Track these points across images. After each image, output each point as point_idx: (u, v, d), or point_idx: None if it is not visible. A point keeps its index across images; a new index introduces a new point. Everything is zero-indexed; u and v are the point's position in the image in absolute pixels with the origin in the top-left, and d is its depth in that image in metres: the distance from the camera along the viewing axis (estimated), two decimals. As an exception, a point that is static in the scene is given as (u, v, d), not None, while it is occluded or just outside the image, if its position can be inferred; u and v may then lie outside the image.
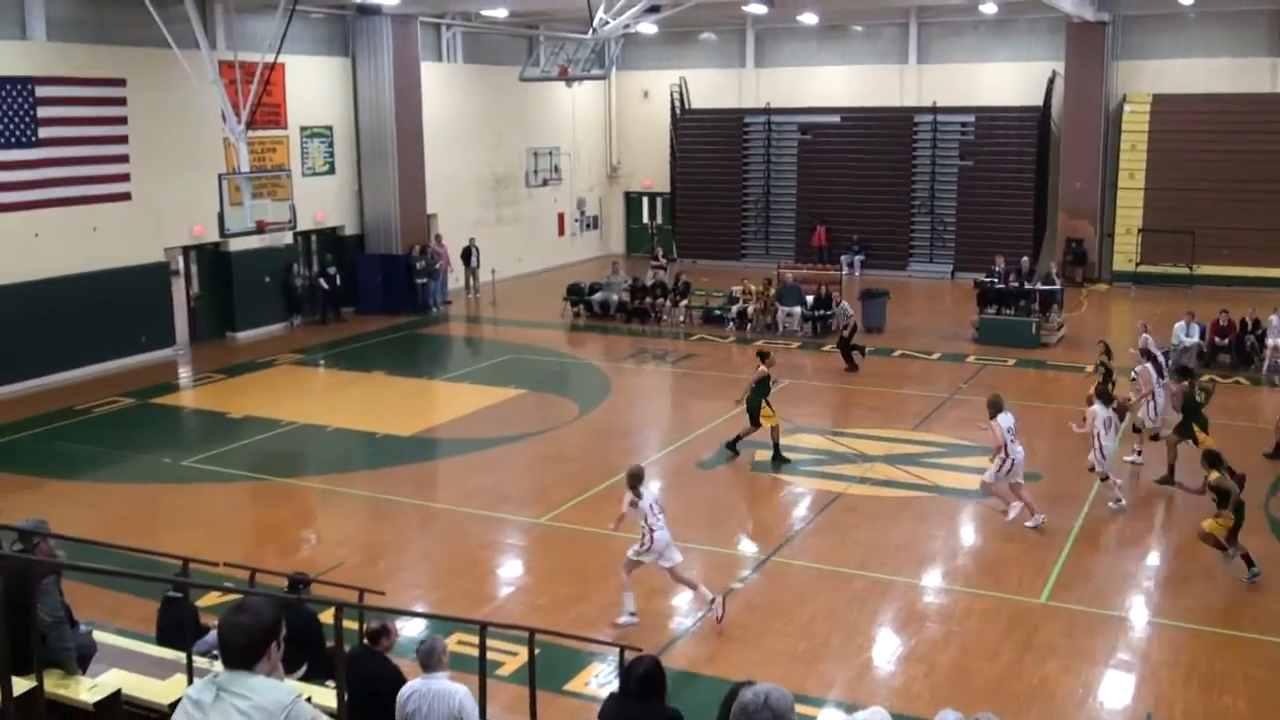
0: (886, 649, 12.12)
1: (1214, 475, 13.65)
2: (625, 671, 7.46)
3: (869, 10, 36.36)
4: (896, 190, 37.11)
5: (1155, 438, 18.04)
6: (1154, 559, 14.67)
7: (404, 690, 7.85)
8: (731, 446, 18.27)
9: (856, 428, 19.90)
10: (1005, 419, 15.19)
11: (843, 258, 36.17)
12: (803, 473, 17.69)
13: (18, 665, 5.85)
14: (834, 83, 38.00)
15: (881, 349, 25.94)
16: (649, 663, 7.30)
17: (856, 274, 35.73)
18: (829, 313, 27.69)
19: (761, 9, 32.04)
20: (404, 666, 8.89)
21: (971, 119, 36.19)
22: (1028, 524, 15.20)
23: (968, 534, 15.56)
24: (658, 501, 12.51)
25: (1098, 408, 16.04)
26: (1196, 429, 16.72)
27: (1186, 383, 17.42)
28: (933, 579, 13.87)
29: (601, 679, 11.22)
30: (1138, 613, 12.95)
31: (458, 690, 7.79)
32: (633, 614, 12.50)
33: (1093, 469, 16.03)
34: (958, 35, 36.57)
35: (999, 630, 12.32)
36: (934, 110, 36.46)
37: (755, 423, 18.01)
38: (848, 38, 38.17)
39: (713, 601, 12.47)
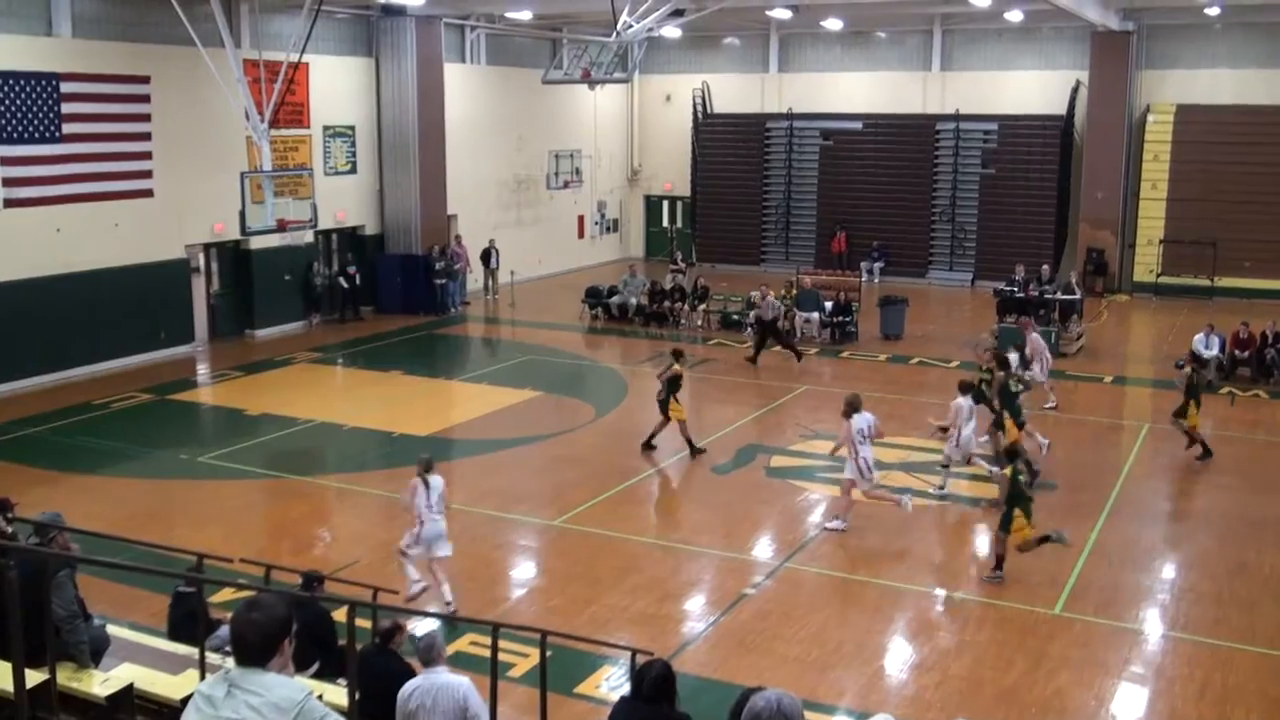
0: (898, 657, 12.10)
1: (1008, 470, 13.78)
2: (637, 675, 7.46)
3: (893, 16, 36.28)
4: (917, 197, 37.03)
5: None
6: (1169, 572, 14.59)
7: (405, 688, 7.84)
8: (648, 445, 18.82)
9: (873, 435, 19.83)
10: (861, 419, 15.33)
11: (862, 264, 36.12)
12: (818, 479, 17.66)
13: (31, 657, 5.89)
14: (857, 89, 37.94)
15: (899, 356, 25.88)
16: (661, 666, 7.30)
17: (876, 281, 35.69)
18: (848, 319, 27.65)
19: (785, 14, 32.01)
20: (416, 666, 8.92)
21: (994, 127, 36.08)
22: (828, 525, 15.46)
23: (983, 543, 15.47)
24: (442, 496, 12.80)
25: (962, 400, 16.73)
26: (1008, 421, 16.90)
27: (1003, 374, 17.63)
28: (946, 587, 13.82)
29: (612, 682, 11.22)
30: (1152, 625, 12.89)
31: (461, 682, 7.80)
32: (417, 581, 12.85)
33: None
34: (982, 43, 36.48)
35: (1012, 640, 12.28)
36: (957, 118, 36.38)
37: (665, 415, 18.52)
38: (871, 44, 38.12)
39: (449, 604, 12.45)
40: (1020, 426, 16.98)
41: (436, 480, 12.84)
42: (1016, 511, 13.54)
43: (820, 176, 38.51)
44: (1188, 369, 18.87)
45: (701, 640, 12.34)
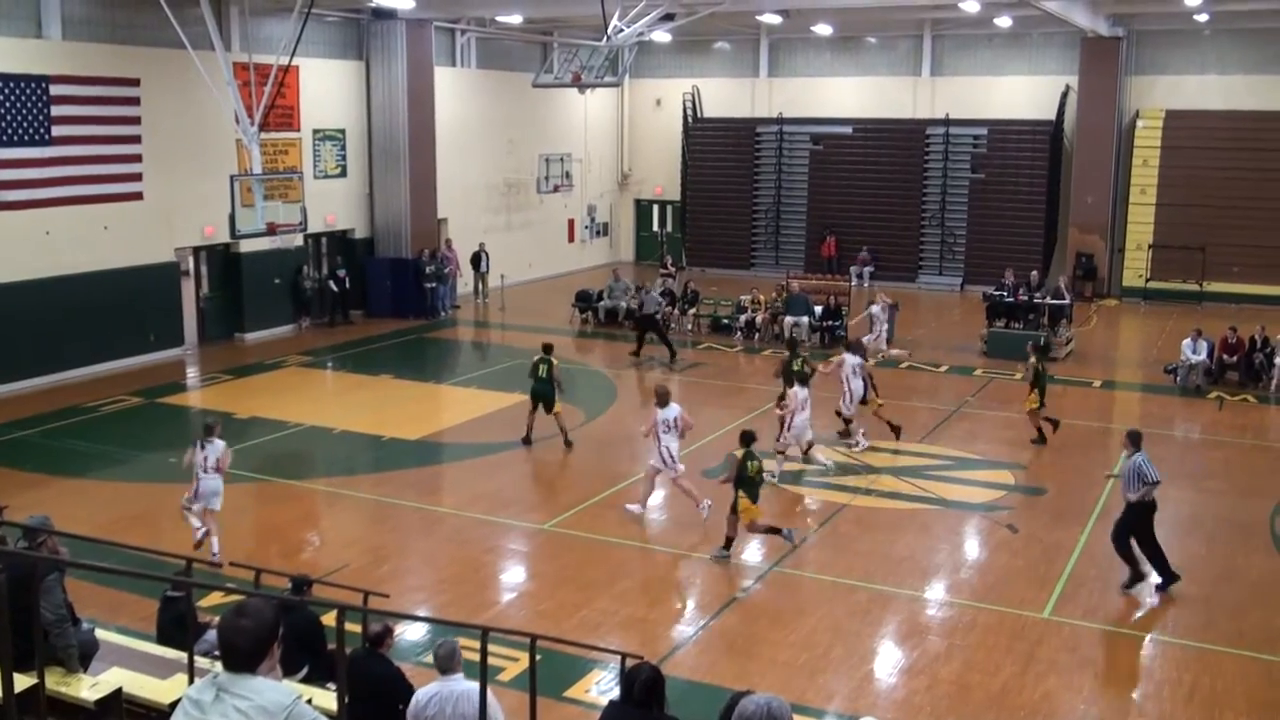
0: (888, 661, 12.11)
1: (739, 453, 14.33)
2: (627, 679, 7.46)
3: (884, 22, 36.42)
4: (907, 202, 37.13)
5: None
6: (1157, 576, 14.61)
7: (421, 694, 7.84)
8: (526, 441, 19.43)
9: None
10: (668, 411, 15.82)
11: (852, 268, 36.19)
12: (808, 483, 17.69)
13: (20, 662, 5.87)
14: (847, 93, 38.04)
15: (888, 361, 25.92)
16: (650, 670, 7.30)
17: (866, 285, 35.76)
18: (838, 323, 27.69)
19: (776, 19, 32.14)
20: (404, 669, 8.91)
21: (984, 132, 36.21)
22: (628, 506, 15.97)
23: (972, 547, 15.54)
24: (219, 459, 14.18)
25: (847, 356, 18.64)
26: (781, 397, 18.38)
27: (787, 354, 19.38)
28: (936, 592, 13.84)
29: (602, 686, 11.22)
30: (1141, 629, 12.93)
31: (477, 690, 7.81)
32: (199, 529, 14.15)
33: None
34: (972, 48, 36.58)
35: (1002, 644, 12.30)
36: (946, 122, 36.49)
37: (550, 410, 19.25)
38: (861, 49, 38.20)
39: (214, 556, 13.35)
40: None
41: (216, 444, 14.25)
42: (741, 494, 14.14)
43: (810, 181, 38.61)
44: (1033, 359, 19.95)
45: (691, 644, 12.34)
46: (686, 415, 16.02)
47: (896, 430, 19.59)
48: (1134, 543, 13.75)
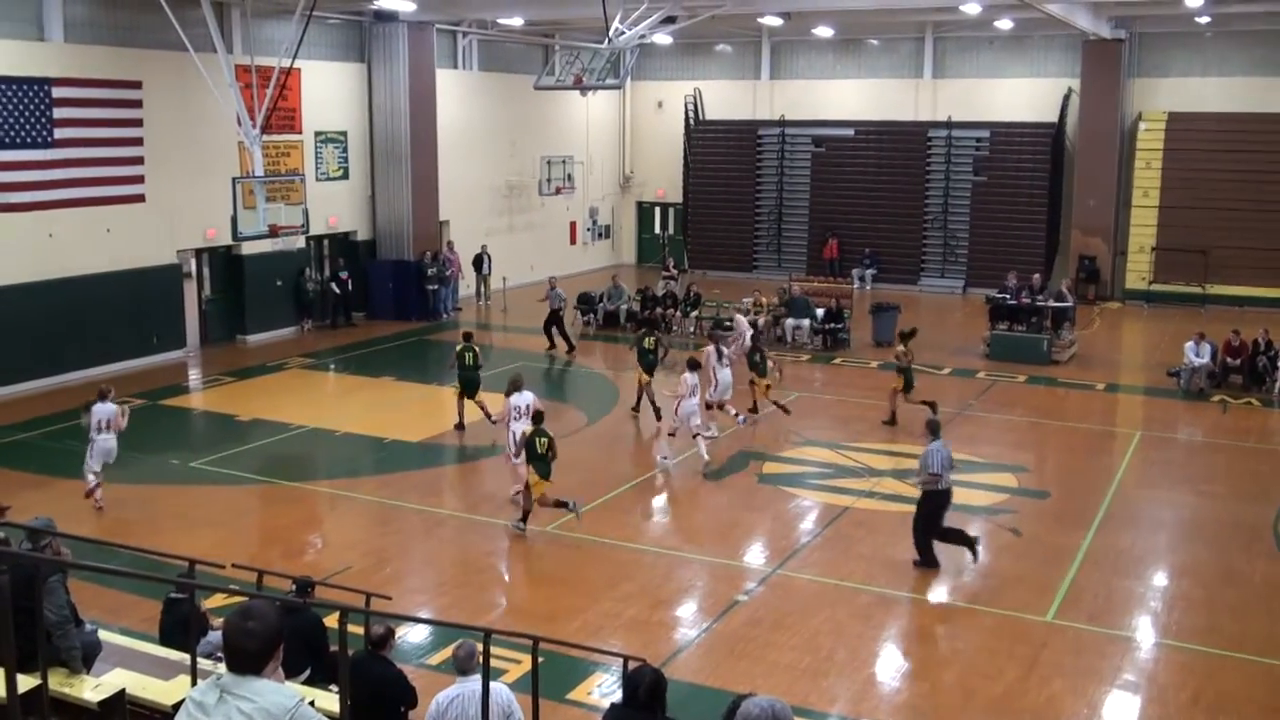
0: (891, 665, 12.10)
1: (529, 430, 15.33)
2: (631, 681, 7.44)
3: (885, 24, 36.42)
4: (909, 204, 37.10)
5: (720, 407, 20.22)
6: (1161, 579, 14.61)
7: (441, 696, 7.86)
8: (459, 426, 20.22)
9: (864, 442, 19.87)
10: (519, 398, 16.54)
11: (854, 271, 36.19)
12: (810, 486, 17.68)
13: (23, 663, 5.86)
14: (849, 96, 38.04)
15: (891, 363, 25.86)
16: (653, 673, 7.29)
17: (868, 287, 35.76)
18: (839, 325, 27.69)
19: (777, 21, 32.15)
20: (406, 671, 8.90)
21: (986, 134, 36.17)
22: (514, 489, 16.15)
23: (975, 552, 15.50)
24: (112, 420, 15.98)
25: (688, 375, 18.69)
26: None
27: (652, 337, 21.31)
28: (939, 595, 13.82)
29: (604, 689, 11.20)
30: (1145, 633, 12.89)
31: (501, 689, 7.83)
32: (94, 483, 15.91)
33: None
34: (974, 50, 36.59)
35: (1005, 648, 12.28)
36: (948, 125, 36.47)
37: (473, 397, 20.10)
38: (863, 51, 38.20)
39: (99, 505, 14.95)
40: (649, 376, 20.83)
41: (109, 406, 16.19)
42: (531, 468, 14.98)
43: (812, 183, 38.58)
44: (900, 347, 21.35)
45: (693, 647, 12.33)
46: (537, 402, 16.51)
47: (785, 409, 20.79)
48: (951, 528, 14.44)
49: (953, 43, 36.80)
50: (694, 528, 15.91)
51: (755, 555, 15.07)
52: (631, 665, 9.15)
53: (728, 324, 24.90)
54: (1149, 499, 17.66)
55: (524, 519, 15.32)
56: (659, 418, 20.42)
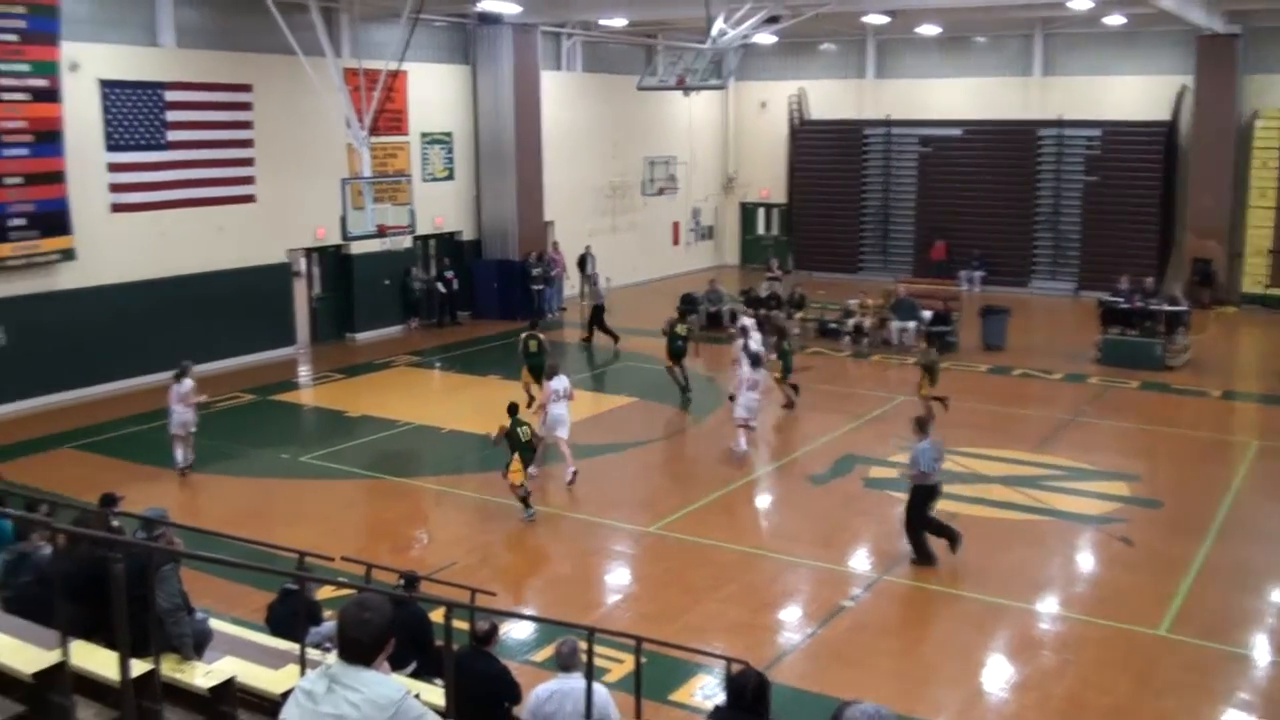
0: (999, 676, 11.83)
1: (508, 422, 15.90)
2: (736, 684, 7.35)
3: (993, 21, 35.71)
4: (1019, 205, 36.41)
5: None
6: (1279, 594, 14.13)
7: (541, 690, 7.89)
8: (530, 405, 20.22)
9: (973, 447, 19.50)
10: (558, 382, 17.80)
11: (962, 273, 35.63)
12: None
13: (136, 648, 5.97)
14: (956, 95, 37.47)
15: (1001, 367, 25.47)
16: (758, 676, 7.20)
17: (976, 290, 35.17)
18: (947, 328, 27.27)
19: (882, 19, 31.79)
20: (509, 667, 8.91)
21: (1097, 133, 35.35)
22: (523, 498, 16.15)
23: (1086, 560, 15.14)
24: (189, 392, 17.30)
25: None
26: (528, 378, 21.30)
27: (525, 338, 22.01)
28: (1049, 605, 13.48)
29: (706, 691, 11.12)
30: (1261, 651, 12.43)
31: (598, 690, 7.83)
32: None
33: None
34: (1084, 47, 35.75)
35: (1116, 661, 11.94)
36: (1058, 124, 35.74)
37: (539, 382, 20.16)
38: (970, 49, 37.61)
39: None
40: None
41: (186, 383, 17.55)
42: (515, 456, 15.75)
43: (919, 184, 38.10)
44: (922, 344, 22.10)
45: (797, 651, 12.19)
46: (557, 388, 17.86)
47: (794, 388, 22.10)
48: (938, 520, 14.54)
49: (1062, 39, 36.01)
50: (799, 531, 15.74)
51: (861, 560, 14.86)
52: (735, 668, 9.07)
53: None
54: (1267, 511, 17.08)
55: (525, 503, 16.09)
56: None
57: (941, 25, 34.97)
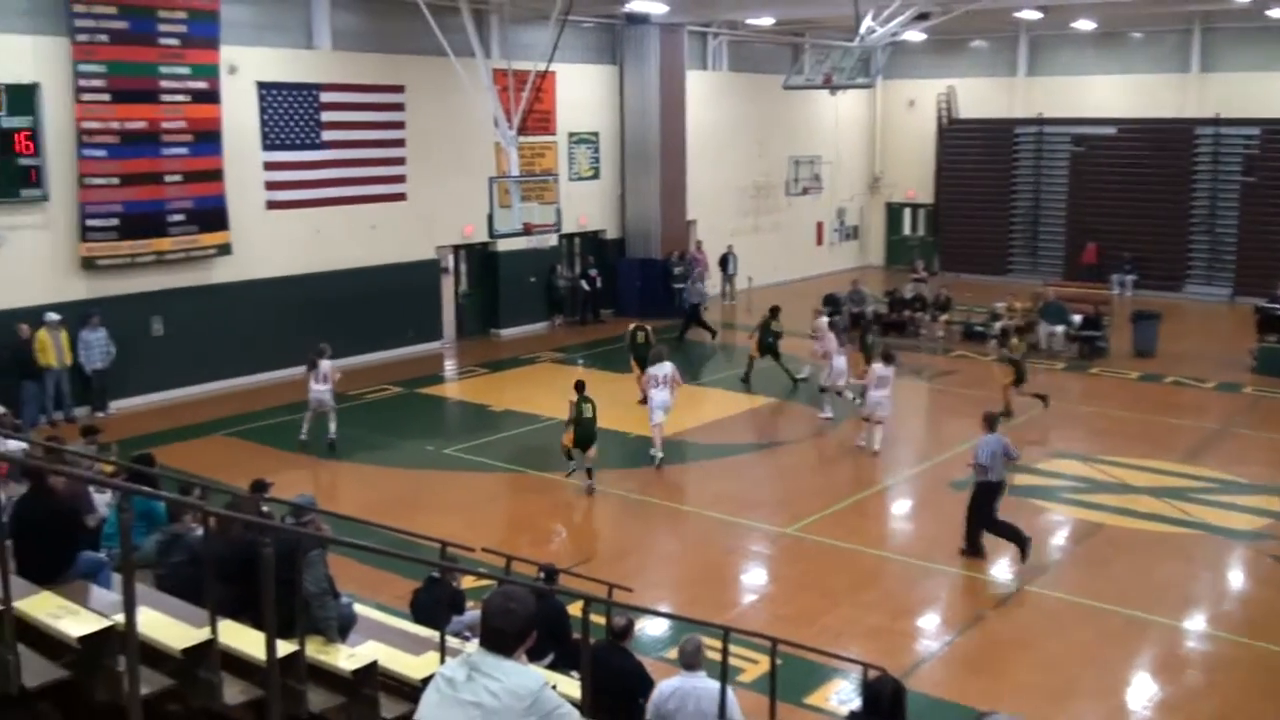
0: (1142, 693, 11.49)
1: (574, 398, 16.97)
2: (873, 690, 7.30)
3: (1149, 16, 34.49)
4: (1173, 206, 35.24)
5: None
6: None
7: (664, 686, 7.91)
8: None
9: (1121, 456, 18.99)
10: (659, 368, 18.88)
11: (1113, 276, 34.66)
12: (1062, 500, 17.01)
13: (282, 629, 6.17)
14: (1110, 92, 36.42)
15: (1151, 374, 24.72)
16: (895, 683, 7.15)
17: (1128, 294, 34.18)
18: (1098, 333, 26.58)
19: (1035, 15, 31.09)
20: (644, 663, 8.97)
21: (1257, 132, 33.97)
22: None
23: (1236, 578, 14.62)
24: (328, 374, 18.84)
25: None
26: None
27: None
28: (1196, 623, 13.05)
29: (842, 695, 11.05)
30: None
31: (720, 689, 7.82)
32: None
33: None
34: (1243, 42, 34.37)
35: (1266, 686, 11.49)
36: (1216, 122, 34.46)
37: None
38: (1125, 45, 36.54)
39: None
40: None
41: (324, 364, 18.81)
42: (571, 429, 16.93)
43: (1071, 184, 37.16)
44: (1014, 340, 22.52)
45: (935, 659, 12.03)
46: (677, 374, 19.11)
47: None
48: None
49: (1221, 34, 34.73)
50: (939, 537, 15.51)
51: (1002, 569, 14.58)
52: (871, 674, 9.00)
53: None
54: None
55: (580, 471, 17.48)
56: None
57: (1096, 20, 34.02)
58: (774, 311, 23.98)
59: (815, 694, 11.10)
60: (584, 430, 16.93)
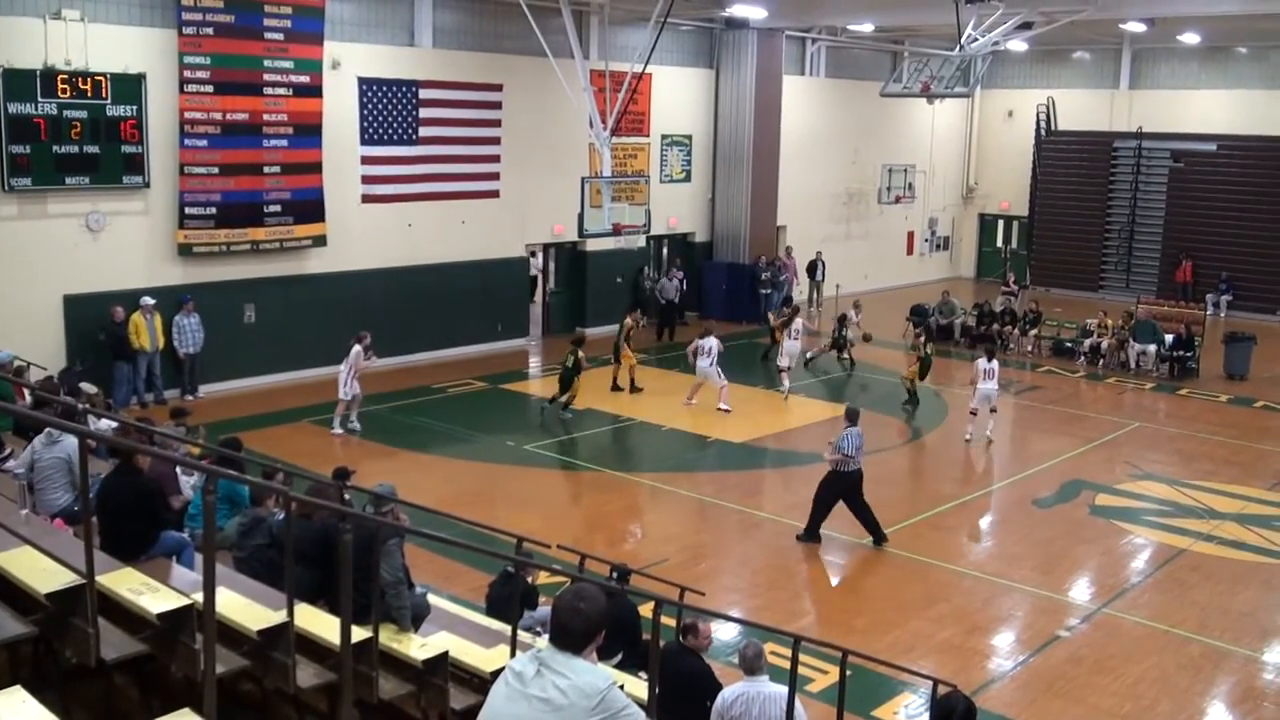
0: (1219, 722, 11.28)
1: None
2: (943, 708, 7.25)
3: (1258, 30, 33.63)
4: (1273, 226, 34.30)
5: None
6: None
7: (728, 692, 7.91)
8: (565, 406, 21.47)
9: (1208, 481, 18.62)
10: (707, 341, 22.11)
11: (1208, 296, 33.93)
12: (1145, 523, 16.72)
13: (357, 616, 6.28)
14: (1212, 107, 35.65)
15: (1243, 398, 24.19)
16: (966, 701, 7.09)
17: (1222, 314, 33.45)
18: (1189, 354, 26.07)
19: (1140, 28, 30.57)
20: (713, 667, 8.99)
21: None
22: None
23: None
24: (352, 360, 19.51)
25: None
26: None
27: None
28: (1276, 655, 12.72)
29: (911, 710, 10.98)
30: None
31: (785, 694, 7.82)
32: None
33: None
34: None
35: (1355, 717, 11.23)
36: (1324, 142, 33.56)
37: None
38: (1230, 59, 35.74)
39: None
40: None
41: (356, 349, 19.49)
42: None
43: (1168, 200, 36.42)
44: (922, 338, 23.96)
45: (1008, 679, 11.90)
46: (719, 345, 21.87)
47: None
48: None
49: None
50: (1017, 554, 15.34)
51: (1081, 590, 14.38)
52: (942, 690, 8.94)
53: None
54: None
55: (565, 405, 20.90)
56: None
57: (1202, 34, 33.33)
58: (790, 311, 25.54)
59: (883, 707, 11.03)
60: (563, 376, 20.71)
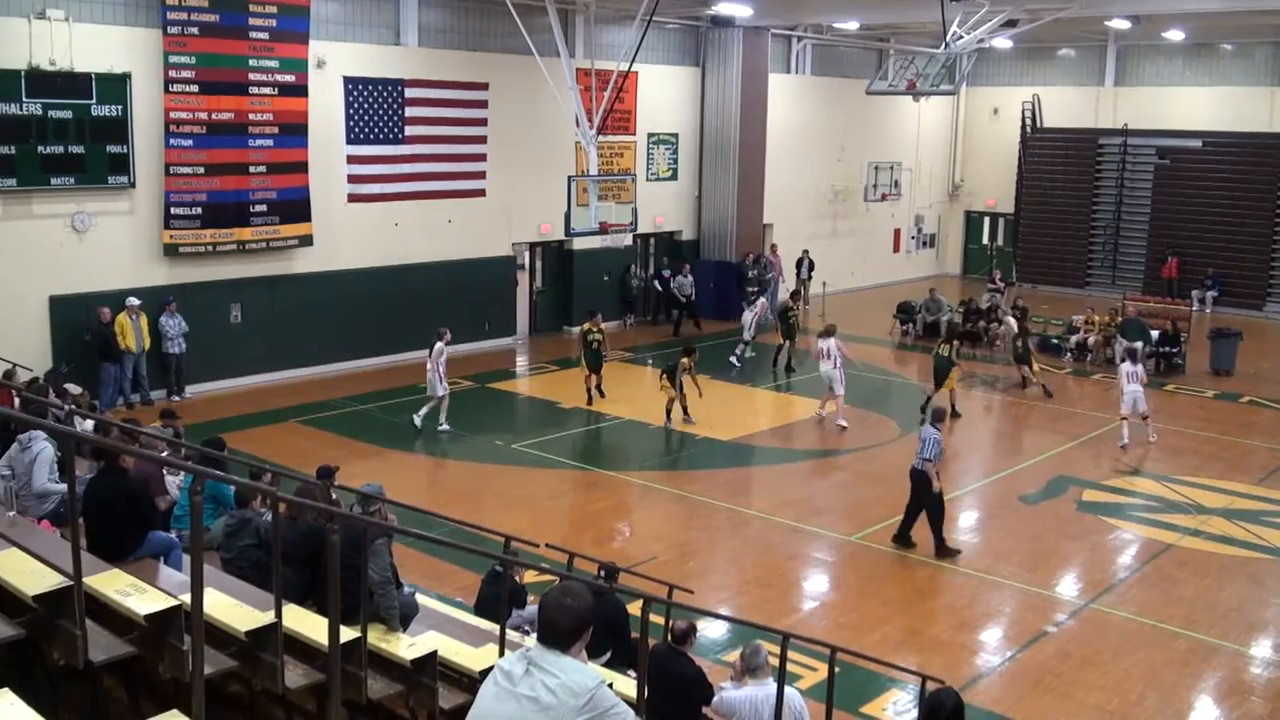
0: (1205, 718, 11.32)
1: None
2: (932, 704, 7.26)
3: (1241, 28, 33.78)
4: (1259, 222, 34.48)
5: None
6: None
7: (735, 697, 7.93)
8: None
9: (1195, 476, 18.70)
10: (824, 342, 21.08)
11: (1194, 292, 34.05)
12: (1132, 518, 16.79)
13: (346, 616, 6.27)
14: (1198, 104, 35.77)
15: (1228, 394, 24.29)
16: (955, 697, 7.10)
17: (1208, 310, 33.58)
18: (1175, 350, 26.15)
19: (1125, 24, 30.68)
20: (702, 665, 9.00)
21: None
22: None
23: (1314, 601, 14.33)
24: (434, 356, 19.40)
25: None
26: None
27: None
28: (1263, 649, 12.79)
29: (899, 706, 11.01)
30: None
31: (794, 695, 7.84)
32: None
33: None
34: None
35: (1341, 711, 11.28)
36: (1308, 137, 33.70)
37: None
38: (1215, 56, 35.84)
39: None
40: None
41: (438, 345, 19.45)
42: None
43: (1154, 197, 36.55)
44: (685, 360, 21.30)
45: (995, 674, 11.93)
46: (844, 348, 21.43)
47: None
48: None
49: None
50: (1005, 550, 15.38)
51: (1068, 586, 14.43)
52: (930, 686, 8.96)
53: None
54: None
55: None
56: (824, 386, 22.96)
57: (1187, 31, 33.44)
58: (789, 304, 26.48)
59: (872, 704, 11.06)
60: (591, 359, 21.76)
